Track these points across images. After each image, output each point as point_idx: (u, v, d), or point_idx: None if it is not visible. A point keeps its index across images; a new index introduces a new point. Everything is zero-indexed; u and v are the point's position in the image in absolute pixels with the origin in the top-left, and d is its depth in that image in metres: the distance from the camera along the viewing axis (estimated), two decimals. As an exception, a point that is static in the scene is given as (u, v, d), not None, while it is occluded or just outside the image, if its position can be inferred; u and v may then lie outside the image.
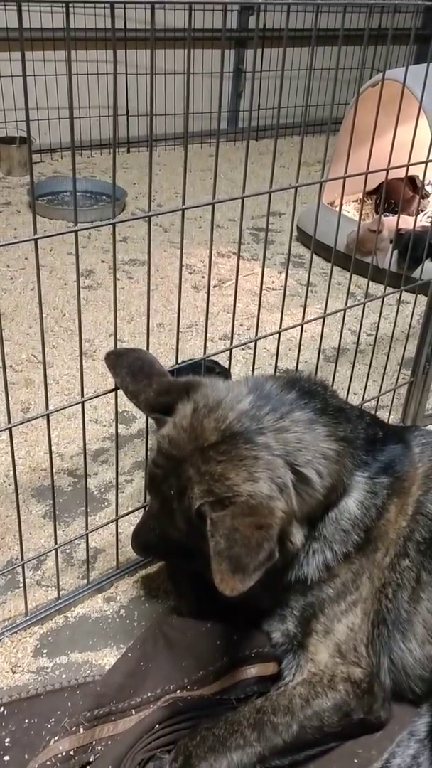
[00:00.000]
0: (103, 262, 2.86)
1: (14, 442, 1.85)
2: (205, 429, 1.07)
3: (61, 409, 1.29)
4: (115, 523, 1.42)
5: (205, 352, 1.43)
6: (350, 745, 1.17)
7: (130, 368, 1.21)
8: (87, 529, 1.39)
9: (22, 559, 1.34)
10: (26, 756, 1.10)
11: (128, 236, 3.10)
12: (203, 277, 2.81)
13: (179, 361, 1.51)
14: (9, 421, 1.22)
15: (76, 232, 1.08)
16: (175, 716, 1.13)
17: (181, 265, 1.28)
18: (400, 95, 1.53)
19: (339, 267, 2.88)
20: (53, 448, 1.80)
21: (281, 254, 3.07)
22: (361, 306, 1.82)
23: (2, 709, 1.18)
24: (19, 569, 1.39)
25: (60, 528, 1.57)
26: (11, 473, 1.71)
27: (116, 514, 1.41)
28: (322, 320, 1.61)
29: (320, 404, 1.17)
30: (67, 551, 1.51)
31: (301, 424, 1.12)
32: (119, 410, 1.34)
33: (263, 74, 4.41)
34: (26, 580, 1.42)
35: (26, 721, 1.16)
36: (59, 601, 1.37)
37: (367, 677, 1.17)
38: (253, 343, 1.52)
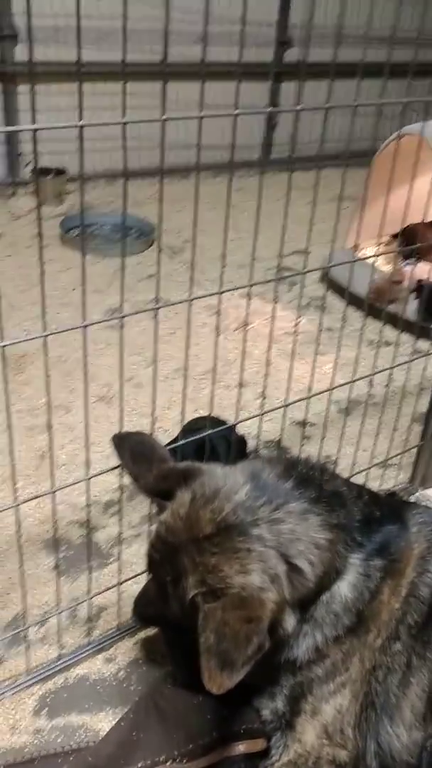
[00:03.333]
0: (127, 300, 2.92)
1: (27, 491, 1.92)
2: (201, 520, 1.11)
3: (65, 487, 1.33)
4: (118, 582, 1.46)
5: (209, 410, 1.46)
6: None
7: (132, 451, 1.25)
8: (90, 592, 1.43)
9: (24, 623, 1.38)
10: None
11: (153, 273, 3.15)
12: (224, 319, 2.85)
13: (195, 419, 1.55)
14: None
15: (84, 327, 1.12)
16: (163, 791, 1.17)
17: (186, 356, 1.32)
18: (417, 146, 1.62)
19: (361, 312, 2.91)
20: (64, 497, 1.88)
21: (304, 297, 3.09)
22: (379, 356, 1.86)
23: (-2, 772, 1.23)
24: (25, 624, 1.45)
25: (66, 583, 1.62)
26: (23, 524, 1.79)
27: (118, 580, 1.45)
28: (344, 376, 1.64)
29: (315, 492, 1.20)
30: (72, 608, 1.55)
31: (295, 516, 1.15)
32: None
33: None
34: (30, 636, 1.47)
35: (20, 785, 1.21)
36: (60, 661, 1.42)
37: (353, 760, 1.19)
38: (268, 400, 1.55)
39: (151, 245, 3.43)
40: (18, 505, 1.21)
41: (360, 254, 3.18)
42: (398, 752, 1.24)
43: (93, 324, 1.17)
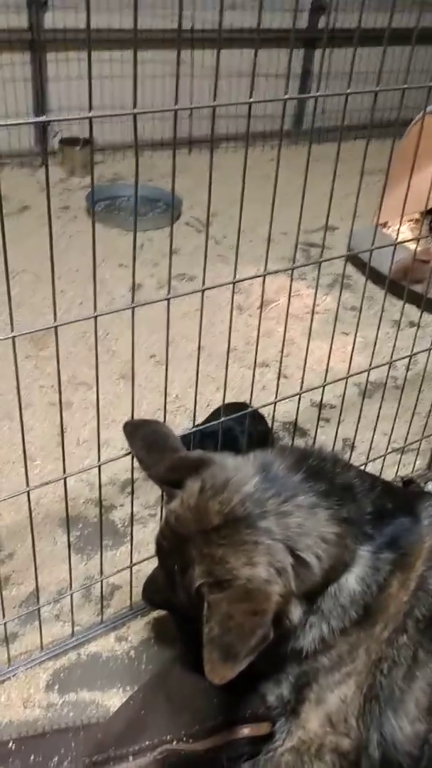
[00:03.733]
0: (152, 276, 2.92)
1: (47, 469, 1.95)
2: (209, 511, 1.12)
3: (75, 474, 1.34)
4: (130, 563, 1.49)
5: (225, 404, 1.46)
6: (334, 810, 1.22)
7: (145, 440, 1.26)
8: (102, 573, 1.46)
9: (38, 602, 1.42)
10: (28, 794, 1.19)
11: (179, 248, 3.14)
12: (248, 297, 2.84)
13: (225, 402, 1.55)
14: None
15: (95, 317, 1.13)
16: (167, 771, 1.20)
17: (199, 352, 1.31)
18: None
19: (389, 293, 2.87)
20: (82, 475, 1.90)
21: (329, 275, 3.06)
22: (402, 338, 1.83)
23: (11, 744, 1.27)
24: (40, 603, 1.48)
25: (82, 561, 1.66)
26: (42, 501, 1.82)
27: (130, 561, 1.47)
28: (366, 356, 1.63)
29: (325, 486, 1.20)
30: (86, 587, 1.58)
31: (304, 509, 1.15)
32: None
33: (331, 75, 4.37)
34: (45, 613, 1.51)
35: (31, 758, 1.25)
36: (73, 639, 1.46)
37: (355, 749, 1.20)
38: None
39: (177, 218, 3.41)
40: (27, 491, 1.23)
41: (388, 232, 3.13)
42: (401, 743, 1.25)
43: (104, 314, 1.16)
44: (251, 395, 1.57)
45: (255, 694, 1.30)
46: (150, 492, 1.87)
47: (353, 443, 1.96)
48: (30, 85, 3.76)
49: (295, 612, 1.16)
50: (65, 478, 1.27)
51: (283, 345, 1.57)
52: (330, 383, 1.61)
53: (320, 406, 1.69)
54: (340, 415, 1.92)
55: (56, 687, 1.39)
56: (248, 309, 2.82)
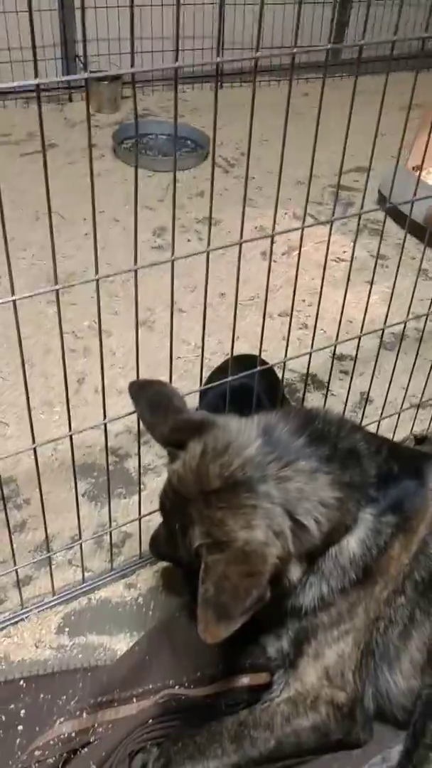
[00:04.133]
0: (177, 219, 2.87)
1: (65, 416, 1.98)
2: (210, 474, 1.13)
3: (84, 431, 1.36)
4: (139, 515, 1.53)
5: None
6: (328, 758, 1.27)
7: (149, 401, 1.27)
8: (110, 525, 1.50)
9: (47, 550, 1.47)
10: (37, 729, 1.26)
11: (205, 190, 3.08)
12: (275, 242, 2.78)
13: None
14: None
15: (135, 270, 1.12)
16: (168, 714, 1.26)
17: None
18: None
19: (417, 239, 2.79)
20: (98, 422, 1.93)
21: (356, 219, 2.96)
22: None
23: (22, 682, 1.34)
24: (54, 549, 1.54)
25: (96, 509, 1.70)
26: (59, 448, 1.86)
27: (139, 513, 1.51)
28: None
29: (328, 450, 1.20)
30: (98, 536, 1.63)
31: (304, 474, 1.16)
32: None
33: (373, 2, 4.15)
34: (59, 557, 1.56)
35: (41, 696, 1.32)
36: (84, 585, 1.51)
37: (350, 702, 1.24)
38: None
39: (205, 158, 3.33)
40: (33, 447, 1.26)
41: (424, 175, 3.01)
42: (395, 696, 1.29)
43: (144, 267, 1.16)
44: (260, 348, 1.55)
45: (256, 645, 1.34)
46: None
47: (367, 396, 1.94)
48: (56, 15, 3.64)
49: (295, 572, 1.18)
50: (71, 435, 1.29)
51: (293, 291, 1.54)
52: (344, 341, 1.59)
53: (332, 359, 1.67)
54: (354, 368, 1.91)
55: (66, 630, 1.45)
56: (273, 255, 2.77)
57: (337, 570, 1.24)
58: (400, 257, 1.67)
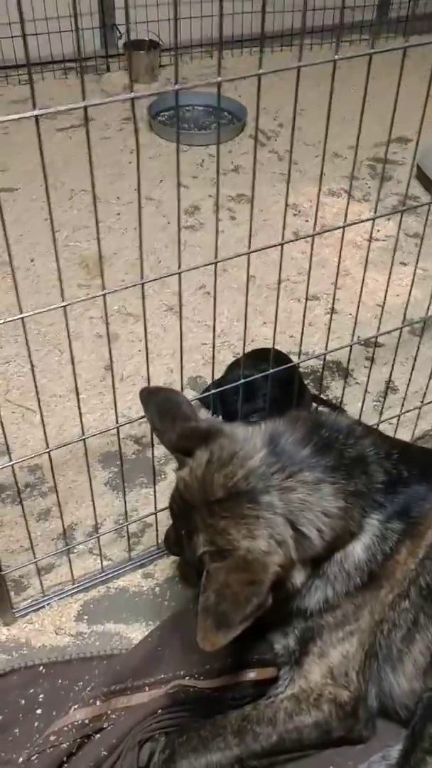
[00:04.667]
0: (210, 197, 2.85)
1: (91, 403, 2.03)
2: (214, 483, 1.16)
3: (93, 436, 1.40)
4: (155, 509, 1.57)
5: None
6: (330, 752, 1.31)
7: (158, 407, 1.30)
8: (126, 519, 1.55)
9: (65, 543, 1.52)
10: (54, 713, 1.33)
11: (240, 165, 3.04)
12: (307, 220, 2.75)
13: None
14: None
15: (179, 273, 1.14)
16: (177, 705, 1.32)
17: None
18: None
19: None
20: (124, 411, 1.97)
21: (395, 194, 2.89)
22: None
23: (42, 668, 1.41)
24: (75, 536, 1.60)
25: (118, 497, 1.75)
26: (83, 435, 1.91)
27: (155, 508, 1.55)
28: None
29: (334, 460, 1.22)
30: (119, 527, 1.68)
31: (308, 485, 1.17)
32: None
33: None
34: (80, 546, 1.62)
35: (59, 682, 1.39)
36: (103, 574, 1.57)
37: (353, 700, 1.28)
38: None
39: (242, 130, 3.28)
40: (55, 448, 1.30)
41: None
42: (398, 696, 1.32)
43: (188, 270, 1.16)
44: (274, 338, 1.55)
45: (264, 641, 1.38)
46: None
47: (388, 385, 1.93)
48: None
49: (298, 576, 1.21)
50: (84, 439, 1.33)
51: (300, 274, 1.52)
52: (383, 333, 1.57)
53: (370, 342, 1.66)
54: (373, 355, 1.89)
55: (85, 617, 1.51)
56: (307, 233, 2.73)
57: (342, 575, 1.26)
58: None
